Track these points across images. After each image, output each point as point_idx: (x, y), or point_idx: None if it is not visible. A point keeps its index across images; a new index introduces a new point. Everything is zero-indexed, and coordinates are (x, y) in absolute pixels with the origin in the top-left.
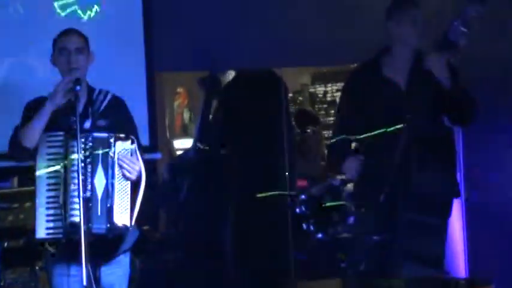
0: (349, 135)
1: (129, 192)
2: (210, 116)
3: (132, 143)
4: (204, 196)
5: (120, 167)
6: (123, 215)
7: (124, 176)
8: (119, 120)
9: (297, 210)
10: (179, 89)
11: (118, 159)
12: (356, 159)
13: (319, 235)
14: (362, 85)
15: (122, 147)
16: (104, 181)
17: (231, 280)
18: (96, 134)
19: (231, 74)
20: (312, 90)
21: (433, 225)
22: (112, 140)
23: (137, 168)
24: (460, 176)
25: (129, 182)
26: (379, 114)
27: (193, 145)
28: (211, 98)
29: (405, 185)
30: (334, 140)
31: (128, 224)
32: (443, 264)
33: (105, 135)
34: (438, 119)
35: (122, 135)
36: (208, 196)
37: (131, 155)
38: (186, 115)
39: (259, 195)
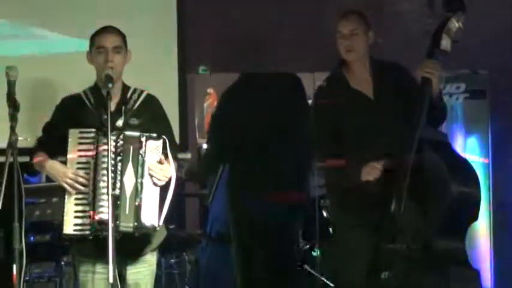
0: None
1: (158, 192)
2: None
3: (164, 143)
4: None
5: (150, 176)
6: (151, 215)
7: (154, 183)
8: (152, 119)
9: (324, 214)
10: (209, 90)
11: (148, 167)
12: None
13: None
14: (332, 98)
15: (154, 147)
16: (134, 180)
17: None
18: (127, 133)
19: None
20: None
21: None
22: (143, 139)
23: (167, 174)
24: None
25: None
26: (353, 124)
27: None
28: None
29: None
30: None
31: (156, 224)
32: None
33: (136, 134)
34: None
35: (154, 135)
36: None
37: (164, 156)
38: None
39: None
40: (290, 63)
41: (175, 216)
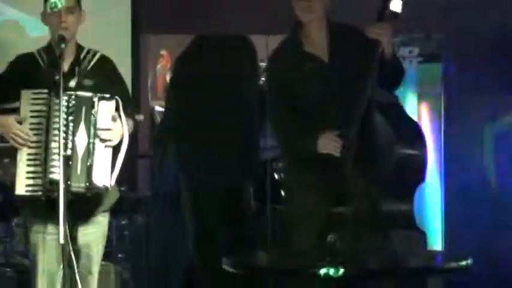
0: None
1: (110, 152)
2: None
3: (117, 103)
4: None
5: (101, 139)
6: (103, 175)
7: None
8: (106, 80)
9: (276, 176)
10: (162, 51)
11: (98, 129)
12: (331, 134)
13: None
14: (286, 64)
15: (106, 108)
16: (86, 140)
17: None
18: (79, 93)
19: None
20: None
21: (405, 192)
22: (96, 100)
23: (118, 135)
24: (440, 153)
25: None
26: (307, 89)
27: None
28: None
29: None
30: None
31: (108, 185)
32: (417, 224)
33: (89, 94)
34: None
35: (107, 96)
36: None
37: (114, 119)
38: (169, 77)
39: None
40: (242, 25)
41: (127, 177)
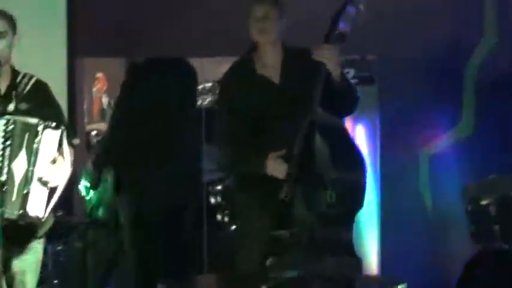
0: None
1: (48, 183)
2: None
3: (62, 133)
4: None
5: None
6: (38, 205)
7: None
8: (42, 104)
9: (212, 200)
10: (98, 74)
11: (39, 172)
12: (277, 157)
13: (233, 226)
14: (237, 84)
15: (51, 137)
16: (25, 167)
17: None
18: (23, 119)
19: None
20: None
21: (344, 218)
22: (40, 128)
23: (60, 176)
24: (375, 175)
25: (49, 170)
26: (257, 110)
27: (109, 132)
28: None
29: (308, 178)
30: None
31: (41, 215)
32: (355, 251)
33: (34, 121)
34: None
35: (52, 124)
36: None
37: (54, 161)
38: (105, 100)
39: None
40: (178, 48)
41: (62, 202)
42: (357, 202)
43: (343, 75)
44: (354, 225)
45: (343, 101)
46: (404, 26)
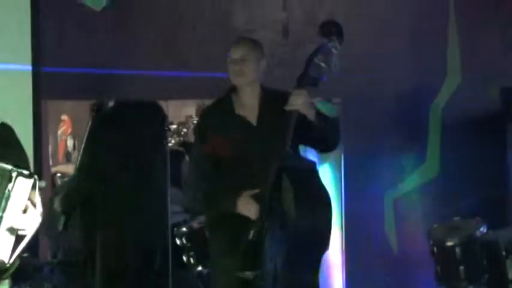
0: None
1: (17, 230)
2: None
3: (35, 182)
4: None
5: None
6: (3, 250)
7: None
8: (5, 148)
9: (178, 242)
10: (63, 117)
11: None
12: (249, 196)
13: (199, 268)
14: (215, 124)
15: (23, 185)
16: None
17: None
18: None
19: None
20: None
21: (309, 260)
22: (14, 174)
23: (29, 226)
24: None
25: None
26: (233, 150)
27: (74, 175)
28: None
29: (276, 219)
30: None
31: (6, 261)
32: None
33: (8, 166)
34: (296, 151)
35: (26, 172)
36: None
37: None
38: (70, 143)
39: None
40: (142, 90)
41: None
42: (322, 243)
43: (319, 116)
44: (320, 267)
45: (325, 139)
46: (367, 67)
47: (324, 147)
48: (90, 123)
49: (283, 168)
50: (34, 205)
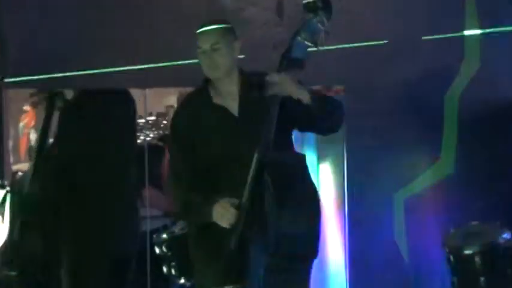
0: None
1: None
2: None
3: (6, 194)
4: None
5: None
6: None
7: None
8: None
9: (157, 251)
10: (26, 107)
11: None
12: (225, 203)
13: (182, 280)
14: (191, 117)
15: None
16: None
17: None
18: None
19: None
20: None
21: (295, 270)
22: None
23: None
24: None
25: None
26: (214, 147)
27: (30, 172)
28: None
29: (261, 227)
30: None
31: None
32: None
33: None
34: (287, 143)
35: None
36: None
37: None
38: (33, 137)
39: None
40: (117, 78)
41: None
42: (308, 251)
43: (314, 97)
44: (308, 278)
45: (325, 121)
46: (374, 53)
47: (329, 128)
48: (45, 117)
49: (264, 164)
50: (2, 218)
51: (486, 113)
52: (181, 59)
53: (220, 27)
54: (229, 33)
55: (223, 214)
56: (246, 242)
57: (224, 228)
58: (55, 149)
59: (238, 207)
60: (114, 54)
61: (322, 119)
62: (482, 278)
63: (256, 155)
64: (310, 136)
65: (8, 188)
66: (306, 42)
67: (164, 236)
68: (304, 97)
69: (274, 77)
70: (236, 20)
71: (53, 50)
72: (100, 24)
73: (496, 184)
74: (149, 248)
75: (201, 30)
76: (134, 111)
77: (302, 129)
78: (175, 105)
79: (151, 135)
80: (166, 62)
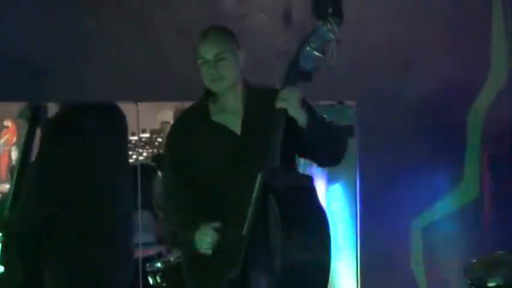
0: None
1: None
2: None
3: None
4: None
5: None
6: None
7: None
8: None
9: (150, 281)
10: (6, 122)
11: None
12: (210, 228)
13: None
14: (189, 135)
15: None
16: None
17: None
18: None
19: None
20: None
21: None
22: None
23: None
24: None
25: None
26: (213, 168)
27: (10, 197)
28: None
29: (264, 253)
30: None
31: None
32: None
33: None
34: (290, 165)
35: None
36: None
37: None
38: (15, 154)
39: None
40: (109, 92)
41: None
42: (317, 279)
43: (312, 119)
44: None
45: (322, 151)
46: (391, 65)
47: (323, 159)
48: (26, 132)
49: (268, 186)
50: None
51: None
52: (179, 70)
53: (225, 35)
54: (233, 41)
55: (203, 237)
56: (247, 270)
57: (222, 256)
58: (36, 169)
59: (220, 231)
60: (104, 65)
61: (313, 146)
62: None
63: (259, 177)
64: None
65: None
66: (315, 52)
67: (158, 264)
68: (300, 118)
69: (287, 93)
70: (239, 28)
71: (35, 60)
72: (89, 34)
73: None
74: (141, 278)
75: (203, 38)
76: (125, 127)
77: (299, 155)
78: (171, 122)
79: (144, 154)
80: (161, 73)
